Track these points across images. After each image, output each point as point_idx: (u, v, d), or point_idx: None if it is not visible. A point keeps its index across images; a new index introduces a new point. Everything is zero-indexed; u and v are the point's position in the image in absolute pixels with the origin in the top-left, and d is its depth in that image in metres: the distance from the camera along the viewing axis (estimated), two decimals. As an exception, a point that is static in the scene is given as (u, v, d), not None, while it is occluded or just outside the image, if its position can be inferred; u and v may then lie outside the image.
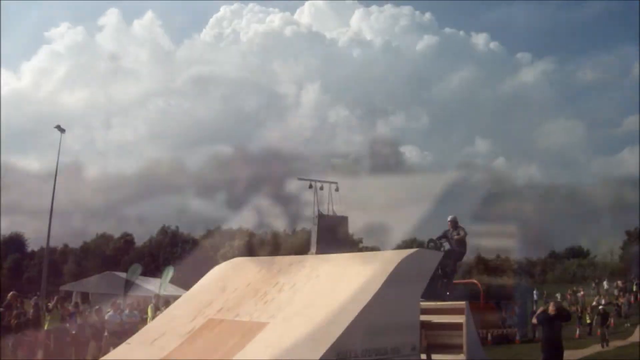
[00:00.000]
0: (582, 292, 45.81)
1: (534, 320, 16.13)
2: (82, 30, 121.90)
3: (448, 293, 14.14)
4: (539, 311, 16.37)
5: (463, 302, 10.36)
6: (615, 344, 27.41)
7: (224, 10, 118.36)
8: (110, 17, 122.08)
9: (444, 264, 13.96)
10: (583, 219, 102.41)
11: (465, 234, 14.49)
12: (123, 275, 36.94)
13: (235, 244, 78.87)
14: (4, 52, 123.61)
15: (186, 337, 8.93)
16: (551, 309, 15.65)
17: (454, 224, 14.62)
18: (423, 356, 9.94)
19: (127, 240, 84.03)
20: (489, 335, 29.02)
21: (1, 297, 21.96)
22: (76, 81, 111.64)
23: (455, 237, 14.39)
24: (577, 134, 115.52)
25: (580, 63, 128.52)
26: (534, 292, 49.51)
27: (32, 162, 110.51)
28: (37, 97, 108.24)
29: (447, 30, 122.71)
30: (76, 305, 25.18)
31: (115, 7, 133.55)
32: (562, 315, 15.72)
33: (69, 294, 41.00)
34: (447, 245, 14.76)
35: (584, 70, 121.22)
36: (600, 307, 31.49)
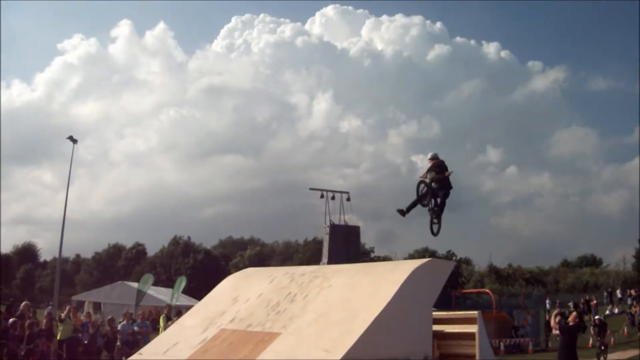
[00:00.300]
0: (595, 301, 45.51)
1: (554, 323, 16.00)
2: (95, 42, 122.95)
3: (436, 225, 14.11)
4: (556, 317, 16.23)
5: (475, 312, 10.32)
6: (630, 353, 27.21)
7: (235, 20, 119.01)
8: (123, 28, 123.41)
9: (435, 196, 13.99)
10: (595, 228, 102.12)
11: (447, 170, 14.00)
12: (135, 285, 36.97)
13: (246, 254, 78.96)
14: (18, 64, 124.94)
15: (198, 347, 8.94)
16: (571, 319, 15.62)
17: (436, 161, 14.13)
18: (435, 366, 9.90)
19: (139, 250, 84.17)
20: (502, 344, 28.90)
21: (14, 307, 22.05)
22: (89, 92, 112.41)
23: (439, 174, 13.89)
24: (588, 143, 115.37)
25: (592, 71, 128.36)
26: (547, 301, 49.24)
27: (45, 173, 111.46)
28: (50, 108, 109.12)
29: (458, 39, 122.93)
30: (88, 315, 25.24)
31: (127, 19, 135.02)
32: (581, 326, 15.71)
33: (81, 304, 41.05)
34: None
35: (595, 78, 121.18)
36: (597, 317, 31.07)
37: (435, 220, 14.24)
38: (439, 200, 14.17)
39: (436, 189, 14.07)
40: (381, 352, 7.65)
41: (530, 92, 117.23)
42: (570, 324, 15.33)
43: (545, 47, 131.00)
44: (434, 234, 14.25)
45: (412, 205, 14.29)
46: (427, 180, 14.09)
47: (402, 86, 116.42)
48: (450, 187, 14.26)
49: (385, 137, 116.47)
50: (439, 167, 14.03)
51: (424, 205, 14.26)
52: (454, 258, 65.73)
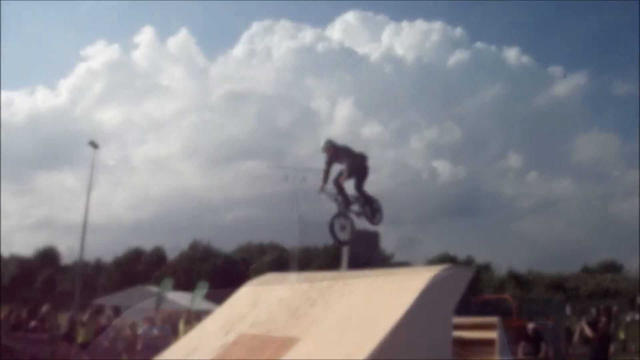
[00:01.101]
0: (615, 308, 45.08)
1: (590, 332, 15.89)
2: (117, 48, 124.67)
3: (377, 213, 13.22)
4: (585, 327, 16.15)
5: (495, 318, 10.26)
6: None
7: (256, 26, 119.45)
8: (145, 34, 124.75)
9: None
10: (617, 233, 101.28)
11: (350, 155, 12.24)
12: (155, 289, 37.19)
13: (266, 259, 79.07)
14: (43, 71, 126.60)
15: (218, 351, 8.96)
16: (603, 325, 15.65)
17: (334, 149, 12.29)
18: (455, 373, 9.87)
19: (159, 254, 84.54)
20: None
21: (36, 311, 22.26)
22: (112, 98, 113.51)
23: (346, 162, 12.18)
24: (610, 147, 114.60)
25: (613, 76, 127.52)
26: (567, 307, 48.85)
27: (67, 177, 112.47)
28: (73, 114, 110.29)
29: (479, 44, 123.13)
30: (109, 318, 25.40)
31: (149, 25, 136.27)
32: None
33: (101, 308, 41.34)
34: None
35: (617, 83, 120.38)
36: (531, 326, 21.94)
37: (371, 214, 13.15)
38: (357, 200, 12.94)
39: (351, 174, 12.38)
40: (401, 358, 7.65)
41: (552, 98, 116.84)
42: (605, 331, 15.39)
43: (566, 52, 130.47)
44: (377, 224, 13.38)
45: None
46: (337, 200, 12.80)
47: (423, 92, 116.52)
48: (365, 157, 12.62)
49: (406, 142, 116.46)
50: (336, 155, 12.26)
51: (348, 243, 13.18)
52: (473, 264, 65.46)
